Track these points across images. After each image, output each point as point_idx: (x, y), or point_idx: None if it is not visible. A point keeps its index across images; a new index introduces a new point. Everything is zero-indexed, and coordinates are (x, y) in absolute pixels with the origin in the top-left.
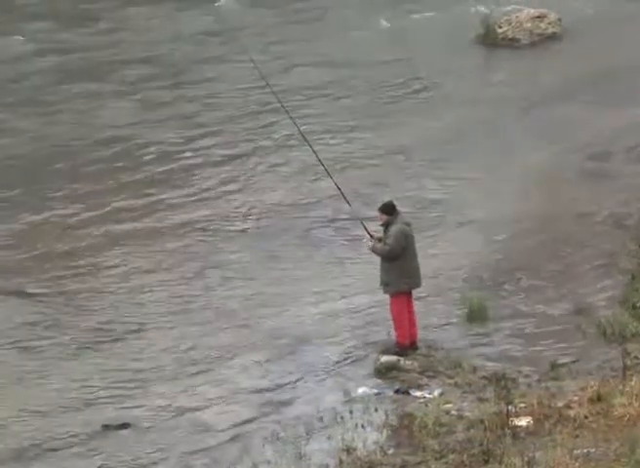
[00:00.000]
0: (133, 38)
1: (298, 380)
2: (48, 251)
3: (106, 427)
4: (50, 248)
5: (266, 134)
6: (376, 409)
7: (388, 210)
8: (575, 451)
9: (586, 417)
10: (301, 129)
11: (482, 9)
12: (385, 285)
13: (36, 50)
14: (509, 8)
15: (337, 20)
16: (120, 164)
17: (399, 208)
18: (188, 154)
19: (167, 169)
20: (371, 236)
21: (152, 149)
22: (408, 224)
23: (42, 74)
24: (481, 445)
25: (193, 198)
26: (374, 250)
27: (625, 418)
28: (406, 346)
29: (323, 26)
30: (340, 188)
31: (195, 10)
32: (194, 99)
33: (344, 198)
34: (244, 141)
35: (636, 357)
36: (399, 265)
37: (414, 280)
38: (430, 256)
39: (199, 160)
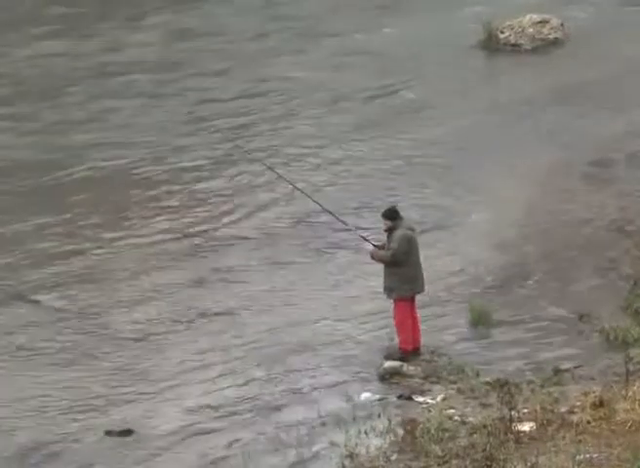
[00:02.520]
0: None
1: (300, 386)
2: (49, 255)
3: (109, 433)
4: (50, 252)
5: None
6: (378, 415)
7: (391, 215)
8: (577, 457)
9: (589, 423)
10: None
11: (484, 14)
12: (389, 290)
13: None
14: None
15: (336, 26)
16: (117, 174)
17: (402, 214)
18: (185, 163)
19: (164, 176)
20: (373, 245)
21: (147, 156)
22: (412, 230)
23: None
24: (484, 450)
25: (195, 205)
26: (375, 256)
27: (628, 423)
28: (409, 352)
29: (321, 31)
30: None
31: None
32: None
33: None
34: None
35: (639, 362)
36: (403, 271)
37: (417, 285)
38: (434, 262)
39: (195, 169)
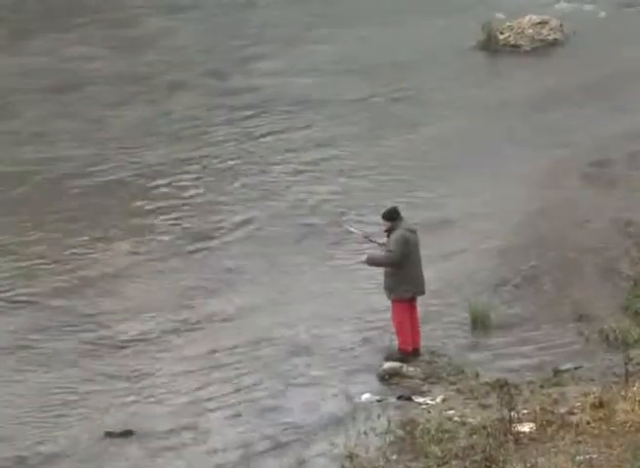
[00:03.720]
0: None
1: (300, 386)
2: (48, 258)
3: (109, 434)
4: (50, 255)
5: (265, 138)
6: (378, 416)
7: (391, 216)
8: (577, 457)
9: (589, 423)
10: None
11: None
12: (388, 291)
13: None
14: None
15: (334, 26)
16: (115, 178)
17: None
18: (187, 163)
19: (164, 177)
20: (379, 243)
21: (144, 163)
22: (412, 231)
23: None
24: (484, 451)
25: (192, 205)
26: (373, 259)
27: (628, 424)
28: (408, 352)
29: (318, 32)
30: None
31: None
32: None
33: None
34: (242, 147)
35: (638, 363)
36: (401, 272)
37: (416, 287)
38: (433, 263)
39: (196, 168)
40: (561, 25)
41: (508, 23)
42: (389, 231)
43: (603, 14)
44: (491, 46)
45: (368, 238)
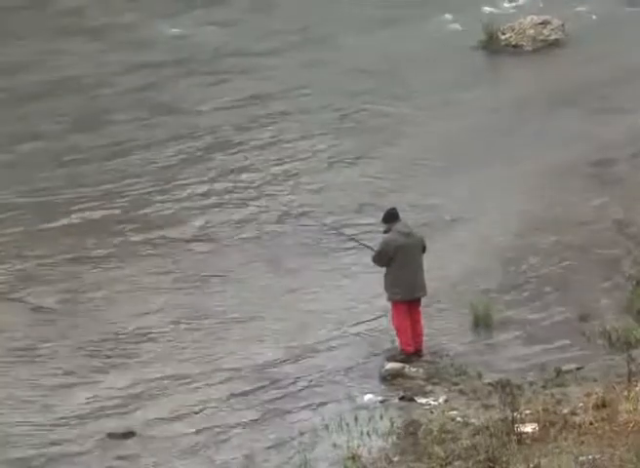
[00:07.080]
0: None
1: (303, 388)
2: (53, 261)
3: (111, 436)
4: (55, 258)
5: (270, 140)
6: (381, 417)
7: (385, 218)
8: (580, 458)
9: (591, 424)
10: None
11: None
12: (386, 292)
13: None
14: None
15: (334, 26)
16: (120, 175)
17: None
18: (190, 162)
19: (169, 176)
20: (366, 246)
21: (153, 159)
22: (406, 235)
23: None
24: (486, 451)
25: (197, 207)
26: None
27: (630, 424)
28: (410, 353)
29: (320, 32)
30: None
31: None
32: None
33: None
34: (247, 147)
35: None
36: (390, 274)
37: (407, 291)
38: (435, 263)
39: (198, 168)
40: (562, 25)
41: (509, 24)
42: (385, 233)
43: (604, 14)
44: (492, 46)
45: (354, 240)
